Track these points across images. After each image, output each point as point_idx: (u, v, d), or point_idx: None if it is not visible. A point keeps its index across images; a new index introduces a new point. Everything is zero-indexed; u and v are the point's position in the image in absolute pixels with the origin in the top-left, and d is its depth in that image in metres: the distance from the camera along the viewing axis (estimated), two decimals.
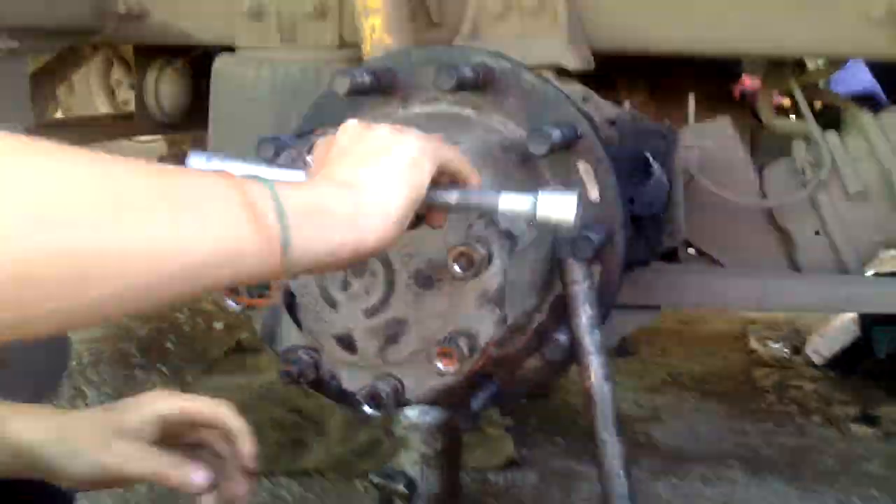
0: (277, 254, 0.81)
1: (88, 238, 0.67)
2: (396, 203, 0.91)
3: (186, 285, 0.76)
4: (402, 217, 0.92)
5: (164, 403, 1.22)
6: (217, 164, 1.07)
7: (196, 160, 1.07)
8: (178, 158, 3.10)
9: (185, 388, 3.16)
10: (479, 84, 1.48)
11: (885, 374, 3.23)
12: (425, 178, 0.96)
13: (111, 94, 5.42)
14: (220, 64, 2.21)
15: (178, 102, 2.70)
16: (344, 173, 0.93)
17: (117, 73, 4.57)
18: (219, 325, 3.88)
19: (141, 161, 0.76)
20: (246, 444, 1.24)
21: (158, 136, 3.32)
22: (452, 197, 1.05)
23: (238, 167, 1.07)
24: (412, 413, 1.60)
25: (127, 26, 2.33)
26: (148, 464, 1.17)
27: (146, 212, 0.72)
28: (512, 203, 1.05)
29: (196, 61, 2.73)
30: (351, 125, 1.01)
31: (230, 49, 2.27)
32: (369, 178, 0.92)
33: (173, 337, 3.76)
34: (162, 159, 3.26)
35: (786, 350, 3.64)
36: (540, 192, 1.04)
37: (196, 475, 1.17)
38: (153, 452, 1.18)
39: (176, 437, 1.23)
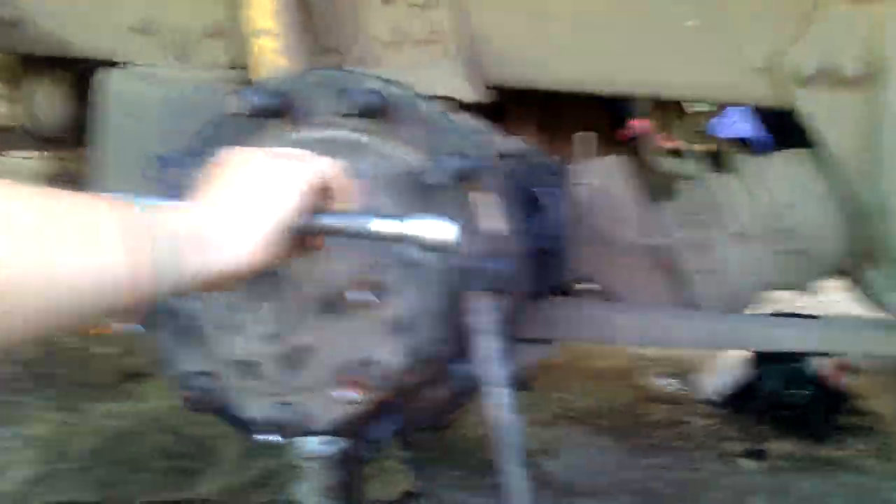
0: (152, 279, 0.84)
1: None
2: (264, 227, 0.96)
3: (64, 314, 0.78)
4: (271, 240, 0.97)
5: None
6: None
7: None
8: (67, 178, 2.99)
9: (70, 413, 3.06)
10: (377, 110, 1.47)
11: (773, 409, 3.33)
12: (296, 202, 1.00)
13: None
14: (106, 79, 2.13)
15: (61, 118, 2.59)
16: (218, 198, 0.97)
17: None
18: (108, 350, 3.76)
19: (25, 187, 0.77)
20: None
21: (36, 153, 3.19)
22: (325, 220, 1.05)
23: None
24: (311, 443, 1.57)
25: (1, 33, 2.21)
26: None
27: (24, 241, 0.73)
28: (384, 226, 1.06)
29: (84, 76, 2.64)
30: (235, 151, 1.04)
31: (113, 64, 2.20)
32: (240, 203, 0.96)
33: (61, 361, 3.62)
34: (51, 181, 3.14)
35: (677, 386, 3.71)
36: (414, 216, 1.05)
37: None
38: None
39: None
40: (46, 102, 2.58)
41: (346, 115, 1.43)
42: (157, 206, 0.89)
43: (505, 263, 1.51)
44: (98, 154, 2.17)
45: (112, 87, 2.13)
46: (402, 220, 1.06)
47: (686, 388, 3.66)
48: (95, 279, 0.79)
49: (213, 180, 1.00)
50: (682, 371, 3.84)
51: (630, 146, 2.94)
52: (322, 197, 1.06)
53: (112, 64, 2.19)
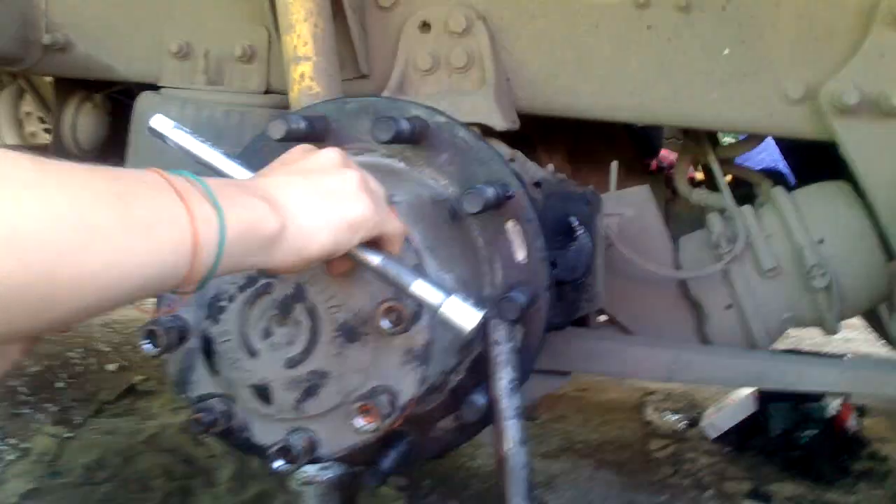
0: (199, 275, 0.85)
1: (53, 265, 0.70)
2: (314, 249, 0.97)
3: (123, 301, 0.80)
4: (315, 260, 0.99)
5: None
6: (180, 135, 1.16)
7: (160, 122, 1.17)
8: None
9: (70, 428, 3.06)
10: (414, 137, 1.47)
11: (779, 450, 3.28)
12: (355, 241, 1.03)
13: (19, 125, 5.28)
14: (143, 101, 2.16)
15: (94, 137, 2.63)
16: (286, 195, 0.96)
17: (27, 105, 4.44)
18: (111, 367, 3.76)
19: (104, 182, 0.77)
20: None
21: None
22: (374, 260, 1.10)
23: (197, 147, 1.15)
24: (311, 467, 1.55)
25: (51, 58, 2.27)
26: None
27: (106, 240, 0.75)
28: (424, 291, 1.11)
29: (115, 97, 2.68)
30: (326, 153, 1.09)
31: (153, 87, 2.23)
32: (306, 214, 0.97)
33: (64, 375, 3.62)
34: None
35: (682, 422, 3.67)
36: (452, 295, 1.10)
37: None
38: None
39: None
40: (82, 123, 2.61)
41: (384, 142, 1.42)
42: (224, 188, 0.89)
43: (529, 295, 1.50)
44: None
45: (147, 109, 2.15)
46: (445, 294, 1.10)
47: (691, 424, 3.62)
48: (160, 270, 0.81)
49: (295, 170, 1.03)
50: (688, 407, 3.79)
51: (658, 176, 2.94)
52: (376, 238, 1.08)
53: (152, 87, 2.22)
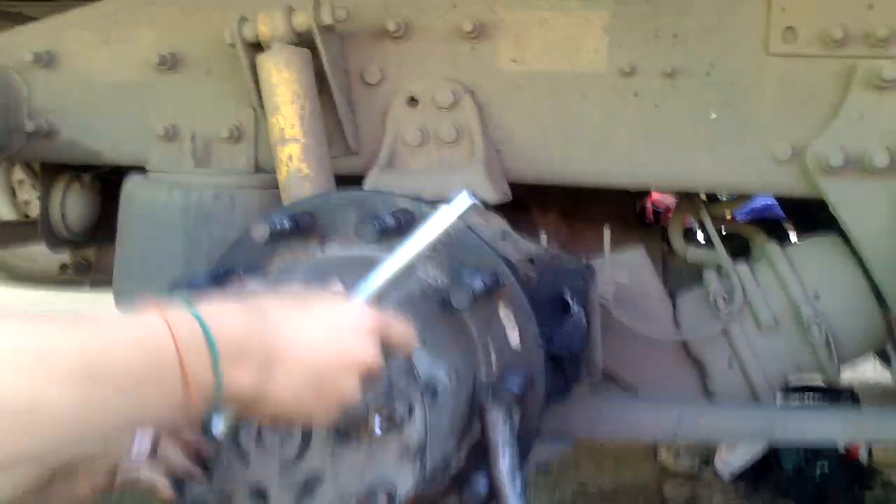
0: (204, 408, 0.88)
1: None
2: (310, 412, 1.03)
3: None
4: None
5: None
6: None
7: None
8: (80, 267, 2.99)
9: None
10: (400, 231, 1.47)
11: (793, 486, 3.26)
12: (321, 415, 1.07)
13: (12, 192, 5.28)
14: (131, 186, 2.15)
15: (84, 218, 2.61)
16: (293, 333, 0.99)
17: (19, 173, 4.44)
18: None
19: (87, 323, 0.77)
20: None
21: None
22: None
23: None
24: None
25: (34, 144, 2.26)
26: None
27: (100, 394, 0.76)
28: (418, 243, 1.21)
29: (104, 177, 2.67)
30: (351, 310, 1.09)
31: (141, 168, 2.22)
32: (299, 379, 0.99)
33: None
34: (63, 268, 3.16)
35: (696, 462, 3.65)
36: (435, 210, 1.19)
37: None
38: None
39: None
40: (70, 205, 2.60)
41: (368, 242, 1.42)
42: (221, 323, 0.90)
43: (524, 378, 1.49)
44: (120, 259, 2.17)
45: (134, 194, 2.14)
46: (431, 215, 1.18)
47: (705, 464, 3.60)
48: (158, 417, 0.84)
49: (316, 318, 1.02)
50: (701, 447, 3.78)
51: (653, 228, 2.93)
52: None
53: (139, 168, 2.21)
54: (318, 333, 1.00)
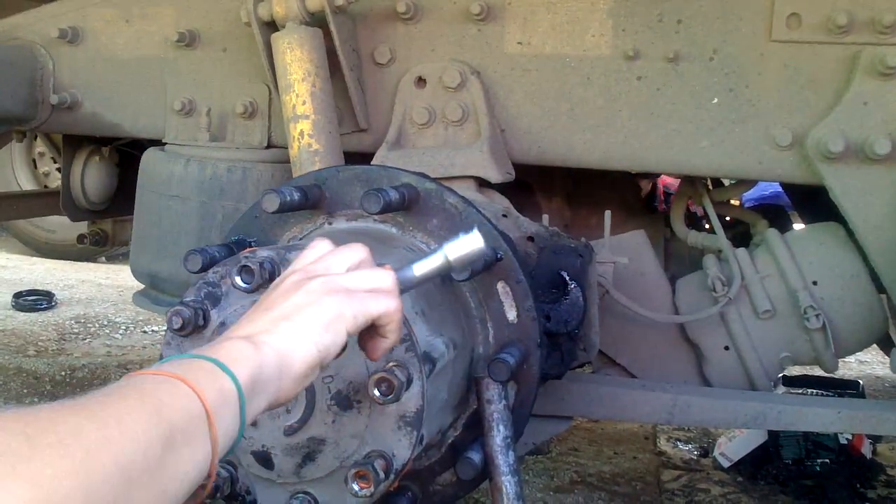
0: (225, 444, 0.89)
1: None
2: (300, 366, 0.99)
3: None
4: (309, 372, 1.01)
5: None
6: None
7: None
8: (97, 238, 3.06)
9: None
10: (404, 205, 1.52)
11: (791, 478, 3.28)
12: (341, 338, 1.03)
13: (33, 164, 5.39)
14: (148, 158, 2.22)
15: (103, 190, 2.69)
16: (268, 325, 1.00)
17: (40, 145, 4.53)
18: None
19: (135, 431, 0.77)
20: None
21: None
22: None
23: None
24: None
25: (59, 117, 2.34)
26: None
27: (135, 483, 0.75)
28: (426, 267, 1.20)
29: (124, 149, 2.74)
30: (289, 277, 1.08)
31: (159, 142, 2.29)
32: (284, 336, 0.99)
33: None
34: (80, 238, 3.24)
35: (695, 452, 3.67)
36: (444, 245, 1.18)
37: None
38: None
39: None
40: (90, 177, 2.68)
41: (372, 213, 1.47)
42: (221, 356, 0.91)
43: (521, 354, 1.54)
44: (137, 230, 2.24)
45: (152, 166, 2.21)
46: (440, 249, 1.18)
47: (704, 454, 3.63)
48: (190, 481, 0.83)
49: (268, 302, 1.04)
50: (700, 437, 3.78)
51: (656, 212, 2.96)
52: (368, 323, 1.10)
53: (156, 142, 2.29)
54: (300, 298, 1.03)
